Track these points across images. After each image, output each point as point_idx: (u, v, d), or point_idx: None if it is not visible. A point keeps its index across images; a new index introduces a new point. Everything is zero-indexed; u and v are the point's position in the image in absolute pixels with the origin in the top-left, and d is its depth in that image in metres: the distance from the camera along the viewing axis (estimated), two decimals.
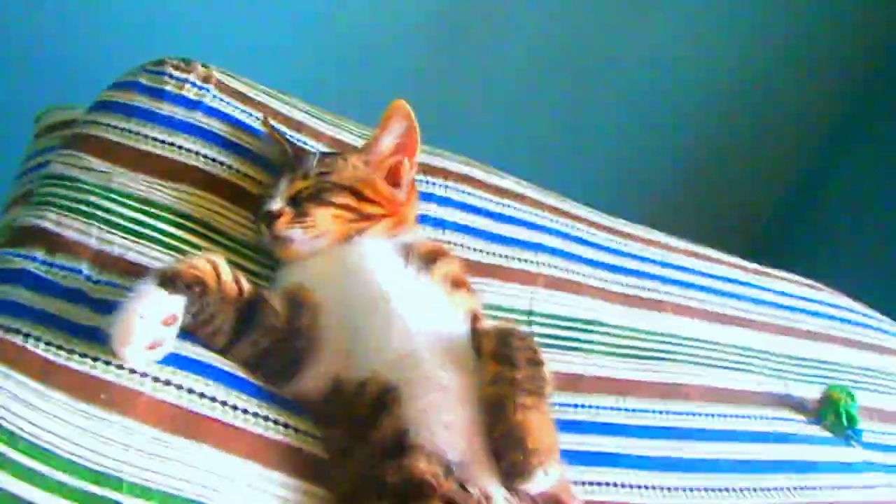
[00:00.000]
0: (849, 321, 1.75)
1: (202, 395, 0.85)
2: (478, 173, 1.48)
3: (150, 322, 0.81)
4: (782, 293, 1.73)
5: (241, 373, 0.91)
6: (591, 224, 1.58)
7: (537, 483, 0.81)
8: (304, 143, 1.29)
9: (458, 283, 1.05)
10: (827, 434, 1.38)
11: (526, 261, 1.39)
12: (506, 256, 1.37)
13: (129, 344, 0.79)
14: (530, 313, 1.31)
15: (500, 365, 0.88)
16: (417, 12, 2.42)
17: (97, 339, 0.83)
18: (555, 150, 2.73)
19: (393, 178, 1.14)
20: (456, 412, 0.86)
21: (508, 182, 1.53)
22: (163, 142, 1.15)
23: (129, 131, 1.14)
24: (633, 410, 1.21)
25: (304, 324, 0.95)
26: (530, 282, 1.36)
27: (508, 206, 1.47)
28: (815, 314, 1.71)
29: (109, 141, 1.12)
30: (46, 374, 0.78)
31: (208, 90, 1.23)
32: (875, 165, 2.91)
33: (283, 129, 1.27)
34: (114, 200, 1.05)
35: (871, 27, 2.83)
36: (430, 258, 1.05)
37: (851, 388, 1.41)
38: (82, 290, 0.91)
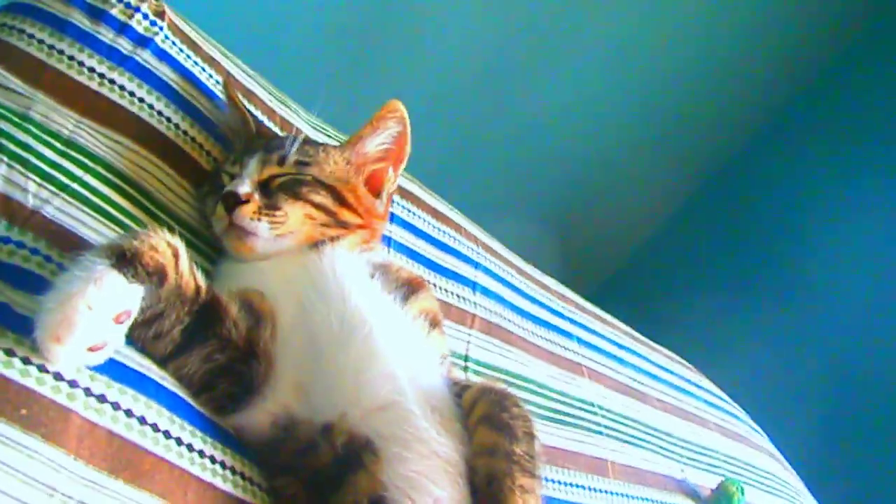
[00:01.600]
0: (719, 408, 1.83)
1: (142, 421, 0.65)
2: (417, 190, 1.36)
3: (100, 316, 0.60)
4: (668, 370, 1.77)
5: (181, 393, 0.72)
6: (515, 268, 1.52)
7: None
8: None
9: (434, 323, 0.93)
10: None
11: (464, 298, 1.29)
12: (446, 290, 1.26)
13: (66, 342, 0.58)
14: (466, 358, 1.21)
15: (497, 434, 0.76)
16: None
17: (9, 324, 0.61)
18: (445, 171, 2.63)
19: (373, 186, 1.00)
20: (446, 484, 0.73)
21: (443, 206, 1.42)
22: (101, 76, 0.91)
23: (61, 52, 0.90)
24: (567, 484, 1.15)
25: (262, 339, 0.78)
26: (467, 322, 1.26)
27: (446, 234, 1.37)
28: (694, 396, 1.77)
29: (32, 58, 0.87)
30: None
31: (161, 29, 1.01)
32: (708, 243, 3.22)
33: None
34: (31, 135, 0.80)
35: (744, 103, 3.06)
36: (409, 289, 0.91)
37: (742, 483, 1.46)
38: None
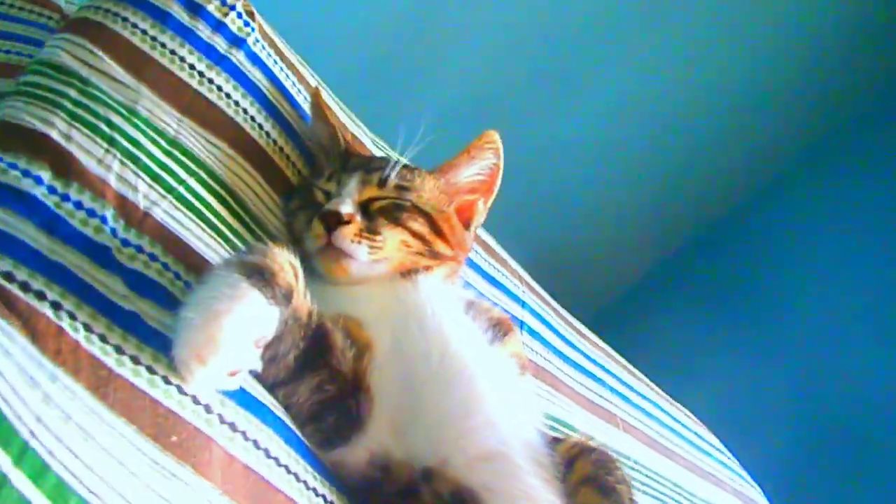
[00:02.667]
0: (733, 470, 1.82)
1: (267, 454, 0.60)
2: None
3: (244, 339, 0.56)
4: (686, 427, 1.75)
5: (289, 423, 0.67)
6: (553, 309, 1.49)
7: None
8: None
9: (523, 368, 0.89)
10: None
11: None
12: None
13: (210, 363, 0.53)
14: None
15: (604, 499, 0.73)
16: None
17: (145, 338, 0.55)
18: None
19: (461, 217, 0.96)
20: None
21: (490, 239, 1.40)
22: (201, 74, 0.87)
23: (164, 46, 0.85)
24: None
25: (365, 371, 0.74)
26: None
27: (494, 267, 1.34)
28: (711, 457, 1.76)
29: (137, 49, 0.82)
30: (98, 381, 0.49)
31: (253, 30, 0.97)
32: (706, 283, 3.27)
33: None
34: (140, 130, 0.75)
35: (754, 154, 3.12)
36: (501, 329, 0.88)
37: None
38: (111, 252, 0.61)
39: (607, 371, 1.52)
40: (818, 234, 2.92)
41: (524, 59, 2.52)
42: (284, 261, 0.64)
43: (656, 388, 1.74)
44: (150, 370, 0.53)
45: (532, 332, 1.33)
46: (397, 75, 2.17)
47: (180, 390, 0.54)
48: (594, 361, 1.49)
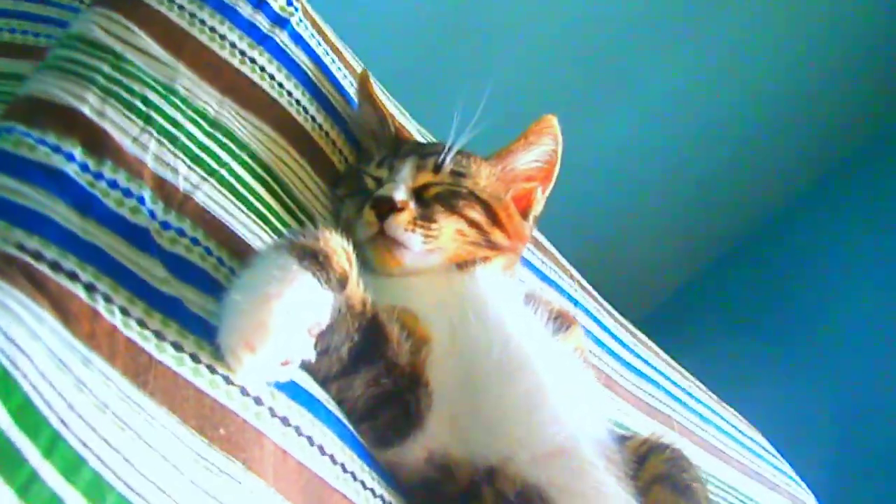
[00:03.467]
0: (785, 473, 1.73)
1: (322, 451, 0.54)
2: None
3: (297, 325, 0.50)
4: (738, 429, 1.67)
5: (343, 419, 0.61)
6: (605, 309, 1.42)
7: None
8: None
9: (587, 361, 0.83)
10: None
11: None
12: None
13: (260, 351, 0.48)
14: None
15: (678, 498, 0.68)
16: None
17: (188, 324, 0.50)
18: None
19: (519, 206, 0.90)
20: None
21: (541, 236, 1.33)
22: (242, 53, 0.82)
23: (203, 22, 0.80)
24: None
25: (422, 365, 0.68)
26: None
27: (547, 265, 1.27)
28: (765, 460, 1.67)
29: (174, 25, 0.77)
30: (137, 367, 0.44)
31: (297, 10, 0.92)
32: (740, 290, 3.17)
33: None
34: (178, 109, 0.70)
35: (791, 164, 3.03)
36: (563, 322, 0.81)
37: None
38: (149, 234, 0.56)
39: (661, 373, 1.44)
40: (865, 237, 2.84)
41: (572, 56, 2.47)
42: (338, 245, 0.59)
43: (708, 392, 1.65)
44: (194, 358, 0.48)
45: (586, 332, 1.25)
46: (443, 70, 2.13)
47: (227, 380, 0.49)
48: (648, 363, 1.42)
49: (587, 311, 1.30)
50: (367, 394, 0.63)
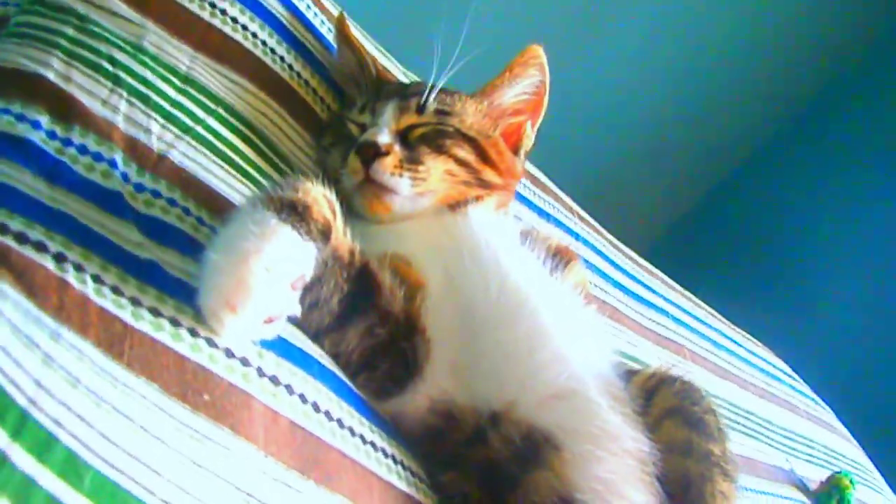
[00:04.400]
0: (804, 394, 1.73)
1: (316, 408, 0.54)
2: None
3: (279, 280, 0.49)
4: (754, 353, 1.67)
5: (339, 373, 0.61)
6: (608, 241, 1.41)
7: None
8: None
9: (589, 297, 0.82)
10: None
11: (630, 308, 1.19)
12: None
13: (243, 311, 0.47)
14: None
15: (690, 431, 0.67)
16: None
17: (167, 288, 0.49)
18: None
19: (509, 142, 0.87)
20: (643, 487, 0.62)
21: (539, 173, 1.31)
22: (212, 5, 0.79)
23: None
24: None
25: (418, 313, 0.67)
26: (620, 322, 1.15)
27: (546, 201, 1.25)
28: (782, 381, 1.67)
29: None
30: (111, 337, 0.43)
31: None
32: (757, 208, 3.14)
33: None
34: (148, 67, 0.68)
35: (797, 62, 2.96)
36: (562, 259, 0.80)
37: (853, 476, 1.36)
38: (122, 198, 0.55)
39: (668, 301, 1.44)
40: (856, 159, 2.85)
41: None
42: (319, 194, 0.57)
43: (717, 315, 1.65)
44: (174, 322, 0.47)
45: (588, 265, 1.25)
46: (423, 7, 2.07)
47: (211, 343, 0.48)
48: (654, 291, 1.41)
49: (589, 244, 1.29)
50: (361, 345, 0.62)
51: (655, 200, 3.21)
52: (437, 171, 0.76)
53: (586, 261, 1.25)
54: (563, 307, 0.73)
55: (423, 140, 0.77)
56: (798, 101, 3.06)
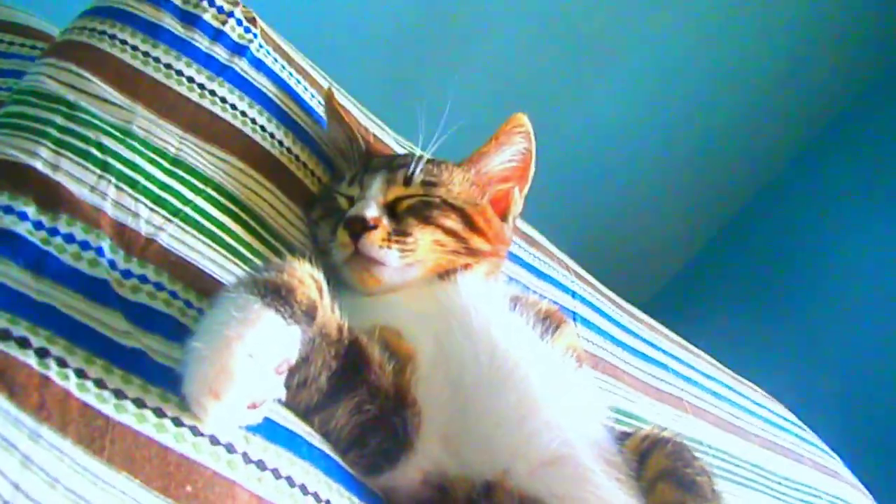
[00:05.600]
0: (809, 441, 1.70)
1: (304, 490, 0.53)
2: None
3: (262, 366, 0.49)
4: (757, 403, 1.65)
5: (329, 451, 0.60)
6: (607, 297, 1.40)
7: None
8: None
9: (581, 360, 0.81)
10: None
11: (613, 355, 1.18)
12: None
13: (226, 397, 0.47)
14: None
15: (684, 493, 0.66)
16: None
17: (152, 377, 0.49)
18: None
19: (497, 209, 0.89)
20: None
21: (533, 230, 1.32)
22: (201, 87, 0.81)
23: (157, 60, 0.79)
24: None
25: (408, 386, 0.67)
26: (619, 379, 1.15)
27: (540, 259, 1.26)
28: (786, 431, 1.64)
29: (129, 67, 0.77)
30: (92, 432, 0.43)
31: (255, 36, 0.91)
32: (756, 260, 3.13)
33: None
34: (137, 152, 0.69)
35: (789, 119, 2.99)
36: (552, 322, 0.80)
37: None
38: (109, 285, 0.55)
39: (668, 354, 1.43)
40: (858, 198, 2.81)
41: (547, 45, 2.45)
42: (305, 274, 0.58)
43: (720, 366, 1.63)
44: (158, 413, 0.47)
45: (586, 322, 1.24)
46: (418, 70, 2.12)
47: (195, 432, 0.48)
48: (653, 345, 1.40)
49: (586, 301, 1.29)
50: (351, 422, 0.62)
51: (656, 250, 3.22)
52: (425, 241, 0.77)
53: (583, 318, 1.25)
54: (553, 372, 0.73)
55: (410, 212, 0.78)
56: (798, 144, 3.08)
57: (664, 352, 1.42)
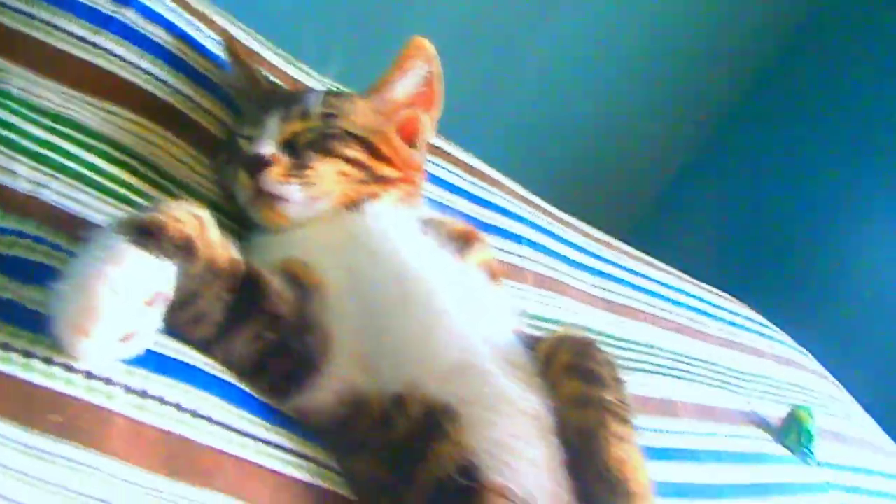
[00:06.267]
0: (769, 336, 1.74)
1: (196, 414, 0.55)
2: (446, 145, 1.26)
3: (128, 300, 0.50)
4: (718, 307, 1.68)
5: (234, 380, 0.62)
6: (558, 219, 1.42)
7: None
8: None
9: (495, 275, 0.83)
10: (789, 453, 1.30)
11: (511, 253, 1.19)
12: (493, 247, 1.15)
13: (93, 333, 0.48)
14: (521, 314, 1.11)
15: (585, 383, 0.68)
16: None
17: (22, 324, 0.50)
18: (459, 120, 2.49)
19: (406, 135, 0.88)
20: (537, 441, 0.63)
21: (475, 160, 1.32)
22: (83, 40, 0.80)
23: (31, 17, 0.78)
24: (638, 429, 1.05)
25: (312, 312, 0.68)
26: (520, 278, 1.16)
27: (483, 188, 1.26)
28: (745, 329, 1.68)
29: (7, 30, 0.76)
30: None
31: None
32: (737, 170, 3.11)
33: None
34: (12, 111, 0.69)
35: (758, 29, 2.95)
36: (464, 241, 0.81)
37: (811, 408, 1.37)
38: None
39: (625, 269, 1.45)
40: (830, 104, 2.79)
41: None
42: (183, 212, 0.58)
43: (682, 276, 1.66)
44: (26, 354, 0.48)
45: (533, 244, 1.26)
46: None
47: (69, 368, 0.49)
48: (608, 261, 1.42)
49: (532, 224, 1.30)
50: (251, 350, 0.63)
51: (633, 179, 3.17)
52: (327, 173, 0.77)
53: (531, 241, 1.26)
54: (460, 287, 0.74)
55: (310, 145, 0.78)
56: (765, 59, 3.04)
57: (622, 267, 1.44)
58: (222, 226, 0.74)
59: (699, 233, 3.09)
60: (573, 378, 0.68)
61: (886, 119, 2.66)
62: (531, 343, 0.73)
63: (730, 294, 1.83)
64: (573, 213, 1.54)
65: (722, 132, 3.20)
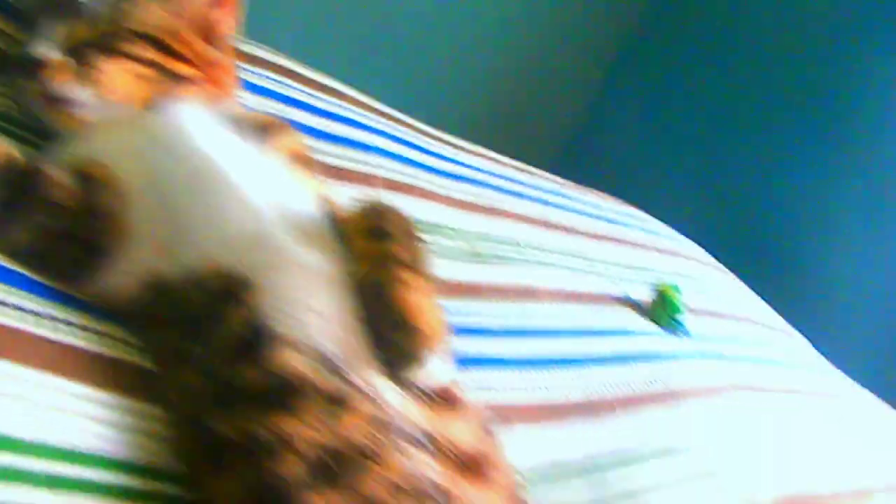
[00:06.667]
0: (649, 230, 1.81)
1: None
2: (291, 65, 1.29)
3: None
4: (593, 204, 1.74)
5: (16, 267, 0.65)
6: (413, 128, 1.46)
7: (425, 369, 0.65)
8: None
9: (302, 160, 0.86)
10: (659, 328, 1.37)
11: (360, 161, 1.22)
12: (337, 156, 1.19)
13: None
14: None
15: (376, 241, 0.72)
16: None
17: None
18: (362, 51, 2.47)
19: (205, 35, 0.90)
20: (327, 296, 0.68)
21: (327, 79, 1.35)
22: None
23: None
24: (495, 315, 1.10)
25: (101, 202, 0.70)
26: (369, 184, 1.19)
27: (331, 102, 1.29)
28: (625, 224, 1.74)
29: None
30: None
31: None
32: (654, 90, 3.14)
33: None
34: None
35: None
36: (266, 129, 0.84)
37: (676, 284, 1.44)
38: None
39: (488, 172, 1.50)
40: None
41: None
42: None
43: (558, 179, 1.72)
44: None
45: (384, 152, 1.29)
46: None
47: None
48: (469, 166, 1.47)
49: (385, 134, 1.33)
50: (32, 238, 0.66)
51: (551, 105, 3.17)
52: (116, 73, 0.79)
53: (382, 149, 1.30)
54: (256, 169, 0.77)
55: (96, 47, 0.79)
56: None
57: (481, 170, 1.49)
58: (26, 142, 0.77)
59: (625, 155, 3.11)
60: (365, 238, 0.72)
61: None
62: (336, 217, 0.77)
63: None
64: (497, 149, 1.60)
65: (635, 45, 3.18)
